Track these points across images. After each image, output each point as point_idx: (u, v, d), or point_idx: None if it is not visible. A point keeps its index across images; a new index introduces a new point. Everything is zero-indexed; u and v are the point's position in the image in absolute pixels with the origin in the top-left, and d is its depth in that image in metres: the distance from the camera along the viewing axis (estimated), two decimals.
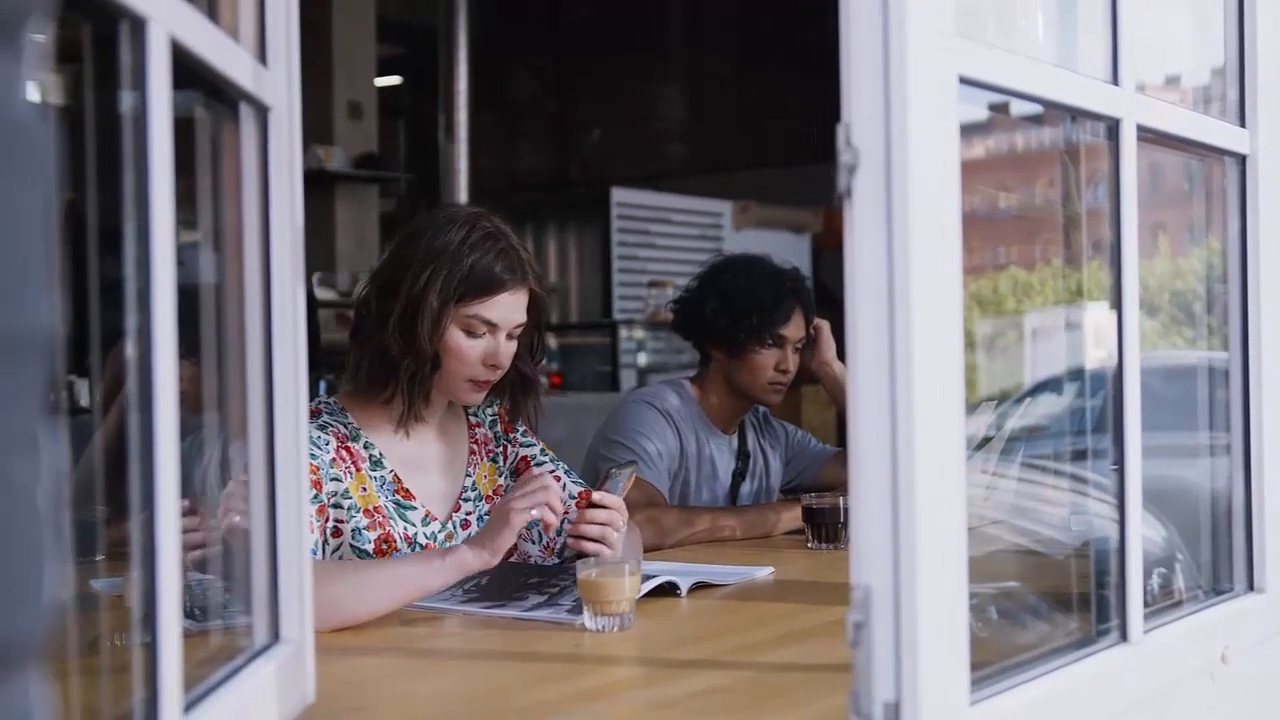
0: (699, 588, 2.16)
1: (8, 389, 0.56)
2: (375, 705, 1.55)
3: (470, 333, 2.17)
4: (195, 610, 1.35)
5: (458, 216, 2.20)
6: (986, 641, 1.35)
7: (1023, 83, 1.38)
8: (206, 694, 1.15)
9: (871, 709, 1.16)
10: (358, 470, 2.17)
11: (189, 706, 1.08)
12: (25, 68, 0.58)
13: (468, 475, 2.33)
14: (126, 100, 1.00)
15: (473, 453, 2.35)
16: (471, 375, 2.20)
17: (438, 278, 2.13)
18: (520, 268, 2.19)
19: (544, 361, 2.44)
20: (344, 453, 2.16)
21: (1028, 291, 1.92)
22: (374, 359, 2.18)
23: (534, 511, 1.96)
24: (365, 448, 2.20)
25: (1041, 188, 2.04)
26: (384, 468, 2.21)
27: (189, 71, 1.10)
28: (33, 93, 0.59)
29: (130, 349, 1.00)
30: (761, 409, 3.17)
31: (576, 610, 1.89)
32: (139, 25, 0.98)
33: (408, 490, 2.22)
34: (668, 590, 2.09)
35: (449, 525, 2.26)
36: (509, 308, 2.19)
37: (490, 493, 2.34)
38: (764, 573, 2.32)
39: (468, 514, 2.30)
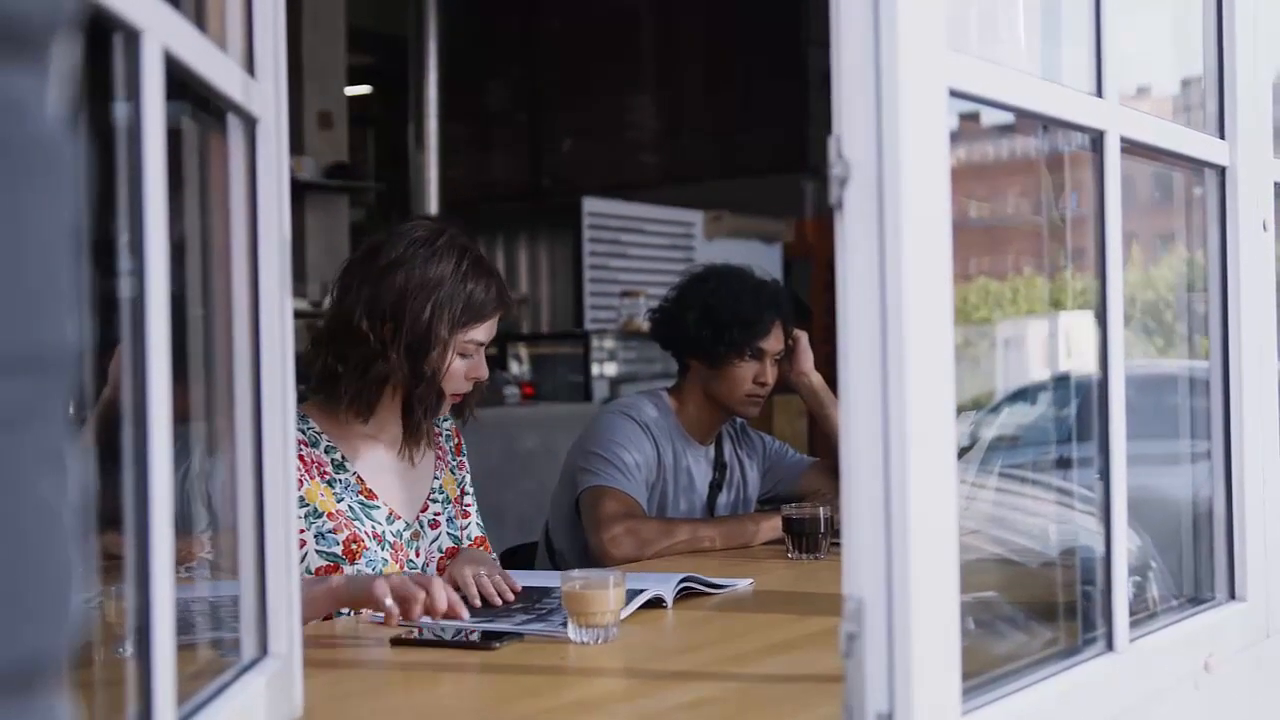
0: (685, 595, 2.16)
1: (34, 405, 0.56)
2: (361, 719, 1.54)
3: (463, 355, 2.27)
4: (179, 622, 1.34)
5: (437, 241, 2.26)
6: (976, 651, 1.36)
7: (1010, 95, 1.38)
8: (197, 709, 1.14)
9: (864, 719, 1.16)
10: (312, 477, 2.21)
11: None
12: (50, 83, 0.58)
13: (435, 478, 2.40)
14: (119, 111, 1.00)
15: (439, 457, 2.43)
16: (456, 390, 2.29)
17: (443, 310, 2.21)
18: (505, 290, 2.32)
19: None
20: (298, 461, 2.18)
21: (999, 301, 1.93)
22: (374, 382, 2.22)
23: (388, 601, 1.87)
24: (327, 452, 2.25)
25: (1013, 198, 2.05)
26: (347, 470, 2.26)
27: (178, 82, 1.10)
28: (58, 108, 0.59)
29: (124, 359, 0.99)
30: (739, 419, 3.17)
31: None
32: (133, 37, 0.98)
33: (370, 490, 2.27)
34: (653, 602, 2.09)
35: (415, 524, 2.33)
36: (494, 326, 2.31)
37: (453, 499, 2.42)
38: (744, 584, 2.33)
39: (436, 514, 2.37)
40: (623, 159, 9.91)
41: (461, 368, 2.27)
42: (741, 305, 2.94)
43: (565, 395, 7.41)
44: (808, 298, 7.51)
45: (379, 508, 2.26)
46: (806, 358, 3.10)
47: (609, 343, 7.60)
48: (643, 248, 8.26)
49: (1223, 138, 1.81)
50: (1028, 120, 1.59)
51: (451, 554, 2.37)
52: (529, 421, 6.13)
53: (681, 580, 2.17)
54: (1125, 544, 1.52)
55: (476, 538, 2.44)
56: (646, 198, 8.55)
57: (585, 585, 1.85)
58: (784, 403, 6.39)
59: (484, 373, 2.31)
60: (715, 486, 3.10)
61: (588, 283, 8.04)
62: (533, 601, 2.11)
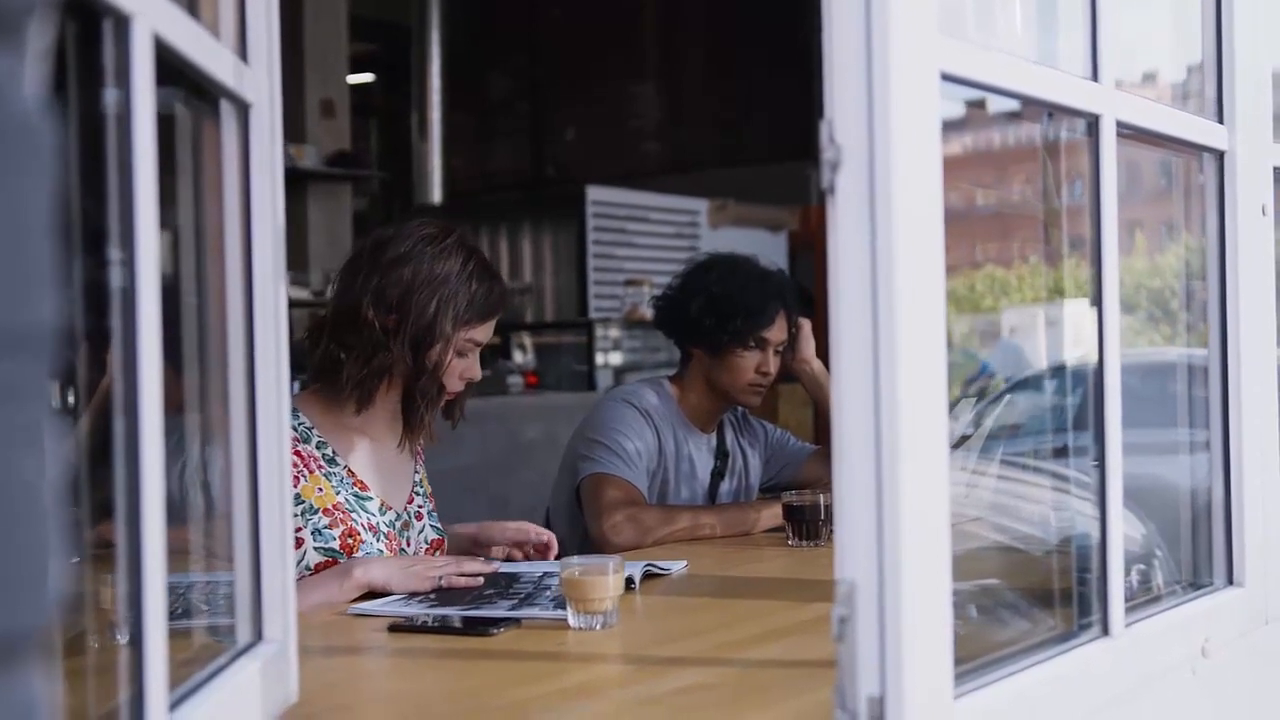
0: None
1: (13, 383, 0.56)
2: (357, 704, 1.55)
3: (461, 353, 2.29)
4: (175, 609, 1.34)
5: (445, 240, 2.29)
6: (970, 636, 1.36)
7: (1003, 79, 1.38)
8: (191, 693, 1.15)
9: (856, 704, 1.16)
10: (311, 471, 2.23)
11: (174, 705, 1.07)
12: (28, 64, 0.58)
13: (416, 472, 2.44)
14: (109, 97, 1.00)
15: (417, 453, 2.46)
16: (449, 389, 2.32)
17: (448, 306, 2.24)
18: (506, 294, 2.35)
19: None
20: (294, 457, 2.19)
21: (1005, 289, 1.93)
22: (375, 373, 2.25)
23: (442, 581, 2.12)
24: (318, 447, 2.27)
25: (1017, 185, 2.05)
26: (339, 464, 2.28)
27: (169, 68, 1.09)
28: (35, 89, 0.59)
29: (114, 349, 0.99)
30: (741, 407, 3.17)
31: (561, 604, 1.89)
32: (123, 22, 0.98)
33: (363, 482, 2.30)
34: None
35: (404, 515, 2.36)
36: (491, 328, 2.34)
37: (429, 492, 2.47)
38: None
39: (419, 507, 2.42)
40: (626, 148, 9.91)
41: (457, 367, 2.29)
42: (746, 295, 2.94)
43: (569, 384, 7.42)
44: (813, 286, 7.50)
45: (371, 499, 2.30)
46: (809, 345, 3.10)
47: (613, 332, 7.60)
48: (647, 236, 8.25)
49: (1221, 122, 1.81)
50: (1031, 108, 1.59)
51: (437, 545, 2.41)
52: (532, 411, 6.13)
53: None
54: (1121, 529, 1.52)
55: (433, 540, 2.44)
56: (650, 186, 8.54)
57: (584, 572, 1.85)
58: (788, 391, 6.39)
59: (477, 374, 2.34)
60: (717, 474, 3.10)
61: (592, 271, 8.03)
62: (513, 580, 2.15)
